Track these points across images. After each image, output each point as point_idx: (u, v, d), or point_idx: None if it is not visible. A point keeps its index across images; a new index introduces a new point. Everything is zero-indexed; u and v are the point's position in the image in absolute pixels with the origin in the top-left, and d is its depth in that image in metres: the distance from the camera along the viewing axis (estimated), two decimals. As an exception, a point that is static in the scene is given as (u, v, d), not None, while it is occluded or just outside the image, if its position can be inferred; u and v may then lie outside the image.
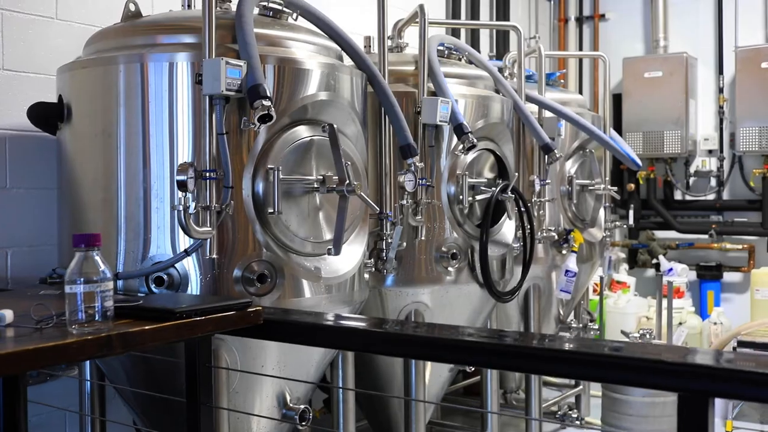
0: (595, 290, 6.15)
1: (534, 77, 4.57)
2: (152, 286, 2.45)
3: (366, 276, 2.92)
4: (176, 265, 2.44)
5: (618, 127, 6.43)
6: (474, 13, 5.63)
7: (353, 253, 2.81)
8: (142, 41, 2.59)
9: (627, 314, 5.79)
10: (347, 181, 2.56)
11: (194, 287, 2.45)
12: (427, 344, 1.96)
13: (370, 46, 3.77)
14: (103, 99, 2.55)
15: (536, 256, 4.24)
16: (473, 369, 3.65)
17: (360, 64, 2.97)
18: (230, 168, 2.39)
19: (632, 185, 6.40)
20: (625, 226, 4.90)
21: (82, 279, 1.78)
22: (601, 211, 4.66)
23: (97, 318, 1.75)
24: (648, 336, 4.15)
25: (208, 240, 2.37)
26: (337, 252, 2.60)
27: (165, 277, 2.43)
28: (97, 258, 1.82)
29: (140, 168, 2.50)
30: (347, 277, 2.74)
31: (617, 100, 6.46)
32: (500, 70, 4.42)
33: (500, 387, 4.75)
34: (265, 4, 2.74)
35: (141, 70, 2.49)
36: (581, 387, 4.86)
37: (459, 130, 3.20)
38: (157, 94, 2.48)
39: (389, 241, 3.04)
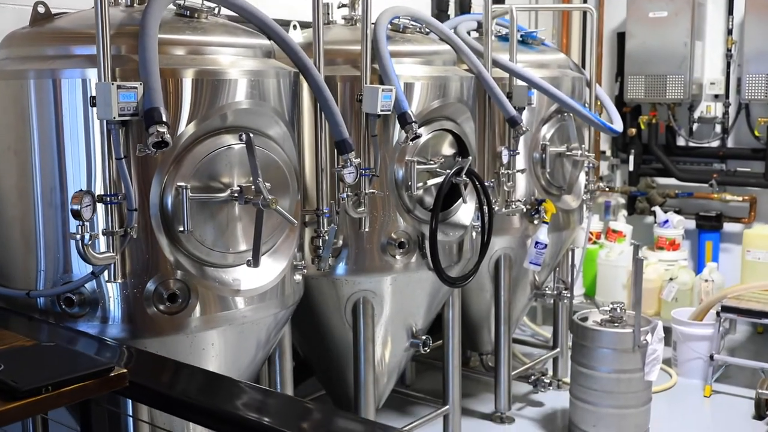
0: (590, 239, 6.05)
1: (532, 35, 4.36)
2: (64, 307, 2.44)
3: (298, 277, 2.87)
4: (87, 285, 2.42)
5: (621, 68, 6.16)
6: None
7: (278, 260, 2.75)
8: (54, 51, 2.46)
9: (619, 267, 5.68)
10: (262, 196, 2.48)
11: (106, 307, 2.43)
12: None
13: (329, 14, 3.60)
14: (15, 114, 2.45)
15: (509, 226, 4.16)
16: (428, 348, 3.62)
17: (293, 57, 2.84)
18: (133, 190, 2.33)
19: (633, 130, 6.17)
20: (606, 188, 4.73)
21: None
22: (582, 176, 4.50)
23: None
24: (618, 310, 4.07)
25: (113, 264, 2.34)
26: (256, 264, 2.55)
27: (74, 297, 2.41)
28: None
29: (57, 188, 2.42)
30: (270, 286, 2.70)
31: (621, 39, 6.17)
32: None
33: (474, 350, 4.77)
34: (181, 2, 2.60)
35: (53, 86, 2.38)
36: (558, 350, 4.82)
37: (402, 119, 3.07)
38: (71, 112, 2.38)
39: (325, 238, 2.98)
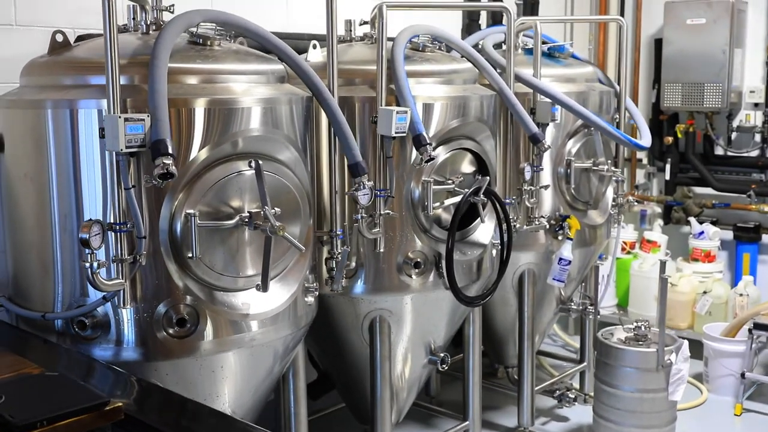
0: (623, 249, 5.97)
1: (559, 48, 4.32)
2: (77, 330, 2.51)
3: (310, 299, 2.90)
4: (99, 309, 2.48)
5: (658, 76, 6.05)
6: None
7: (289, 283, 2.78)
8: (71, 81, 2.53)
9: (651, 279, 5.56)
10: (270, 223, 2.52)
11: (118, 331, 2.49)
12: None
13: (351, 30, 3.63)
14: (33, 142, 2.52)
15: (533, 241, 4.14)
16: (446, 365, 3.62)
17: (306, 81, 2.87)
18: (142, 218, 2.38)
19: (670, 138, 6.05)
20: (634, 203, 4.65)
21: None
22: (609, 191, 4.44)
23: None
24: (643, 328, 4.02)
25: (122, 290, 2.39)
26: (265, 290, 2.59)
27: (87, 321, 2.48)
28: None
29: (73, 215, 2.48)
30: (281, 309, 2.73)
31: (658, 45, 6.05)
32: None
33: (500, 362, 4.75)
34: (194, 30, 2.64)
35: (70, 116, 2.44)
36: (585, 364, 4.78)
37: (417, 142, 3.07)
38: (87, 141, 2.44)
39: (338, 259, 3.00)
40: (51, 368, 2.14)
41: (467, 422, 3.93)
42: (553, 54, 4.27)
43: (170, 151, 2.25)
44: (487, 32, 4.28)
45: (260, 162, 2.53)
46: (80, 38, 3.17)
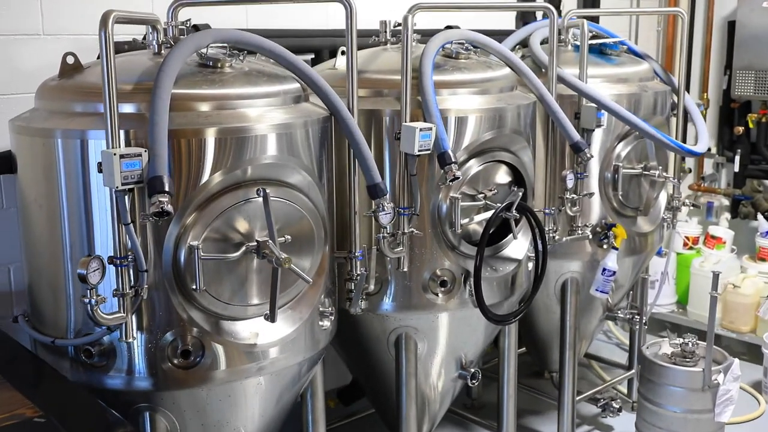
0: (685, 244, 5.71)
1: (612, 45, 4.08)
2: (84, 357, 2.50)
3: (326, 323, 2.82)
4: (106, 338, 2.47)
5: (729, 62, 5.69)
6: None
7: (302, 309, 2.72)
8: (82, 108, 2.45)
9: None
10: (275, 256, 2.45)
11: (124, 360, 2.48)
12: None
13: (386, 32, 3.49)
14: (43, 169, 2.48)
15: (578, 249, 3.96)
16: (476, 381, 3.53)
17: (324, 100, 2.77)
18: (147, 249, 2.35)
19: (741, 128, 5.71)
20: (691, 205, 4.38)
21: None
22: (662, 196, 4.21)
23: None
24: (690, 345, 3.82)
25: (124, 324, 2.37)
26: (273, 320, 2.54)
27: (93, 349, 2.47)
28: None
29: (85, 245, 2.44)
30: (292, 337, 2.67)
31: (732, 28, 5.68)
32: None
33: (544, 368, 4.62)
34: (204, 52, 2.56)
35: (81, 146, 2.38)
36: (633, 371, 4.60)
37: (442, 160, 2.94)
38: (98, 173, 2.34)
39: (356, 282, 2.92)
40: (51, 407, 2.14)
41: (501, 434, 3.84)
42: (605, 51, 4.03)
43: (166, 188, 2.20)
44: (534, 27, 4.07)
45: (267, 190, 2.45)
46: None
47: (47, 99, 2.59)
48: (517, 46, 4.07)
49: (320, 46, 3.85)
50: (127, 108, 2.39)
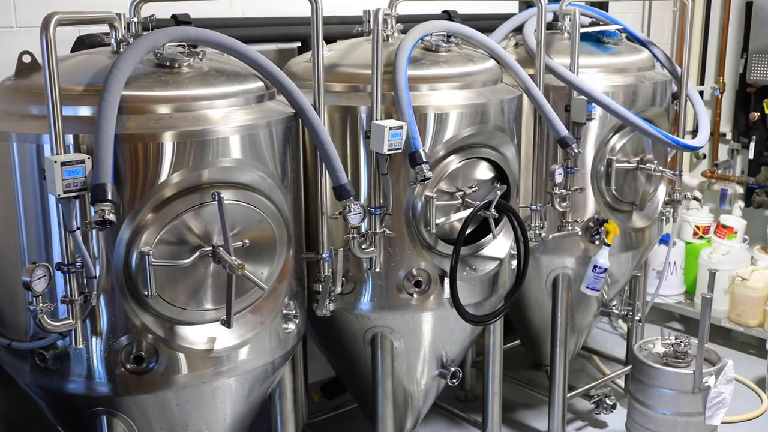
0: (695, 233, 5.56)
1: (610, 34, 3.94)
2: (38, 361, 2.49)
3: (290, 326, 2.78)
4: (60, 342, 2.44)
5: (746, 45, 5.47)
6: None
7: (263, 313, 2.67)
8: (38, 110, 2.37)
9: (720, 271, 5.12)
10: (228, 263, 2.40)
11: (80, 365, 2.46)
12: None
13: (369, 21, 3.38)
14: (0, 174, 2.44)
15: (569, 244, 3.86)
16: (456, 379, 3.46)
17: (288, 99, 2.69)
18: (99, 255, 2.31)
19: (756, 114, 5.51)
20: (692, 197, 4.20)
21: None
22: (661, 189, 4.07)
23: None
24: (683, 345, 3.71)
25: (74, 330, 2.34)
26: (229, 326, 2.50)
27: (47, 354, 2.45)
28: None
29: (42, 251, 2.39)
30: (252, 341, 2.63)
31: (749, 9, 5.46)
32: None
33: (538, 361, 4.54)
34: (160, 52, 2.50)
35: (36, 151, 2.31)
36: (630, 367, 4.49)
37: (412, 160, 2.85)
38: None
39: (324, 283, 2.86)
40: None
41: (485, 433, 3.78)
42: (602, 40, 3.88)
43: (109, 197, 2.15)
44: (528, 14, 3.93)
45: (222, 194, 2.39)
46: (80, 40, 3.10)
47: (2, 100, 2.53)
48: (511, 34, 3.94)
49: (307, 34, 3.72)
50: (79, 111, 2.34)
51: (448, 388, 3.61)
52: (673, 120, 4.13)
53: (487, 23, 4.06)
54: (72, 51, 3.07)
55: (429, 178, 2.85)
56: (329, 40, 3.50)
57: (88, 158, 2.18)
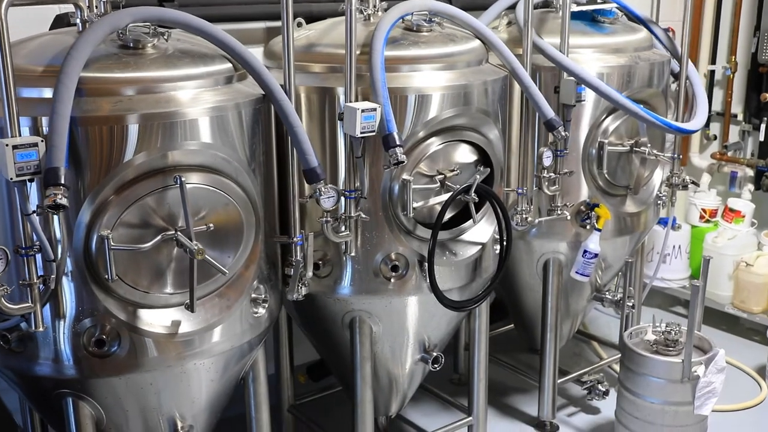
0: (702, 217, 5.45)
1: (606, 13, 3.83)
2: (1, 343, 2.49)
3: (260, 310, 2.75)
4: (23, 324, 2.44)
5: (759, 23, 5.31)
6: None
7: (229, 297, 2.65)
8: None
9: (725, 255, 5.05)
10: (188, 248, 2.38)
11: (43, 347, 2.45)
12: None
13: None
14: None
15: (560, 228, 3.79)
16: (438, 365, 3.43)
17: (257, 80, 2.65)
18: (60, 238, 2.30)
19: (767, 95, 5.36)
20: (691, 181, 4.06)
21: None
22: (657, 174, 3.97)
23: None
24: (674, 333, 3.63)
25: (33, 313, 2.33)
26: (192, 310, 2.48)
27: (10, 336, 2.45)
28: None
29: (9, 233, 2.36)
30: (218, 325, 2.61)
31: (764, -12, 5.30)
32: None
33: (530, 345, 4.48)
34: (123, 33, 2.46)
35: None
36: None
37: (386, 143, 2.80)
38: None
39: (294, 267, 2.83)
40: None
41: (470, 418, 3.74)
42: (597, 19, 3.77)
43: (62, 181, 2.13)
44: (521, -9, 3.82)
45: (184, 178, 2.37)
46: (58, 19, 3.07)
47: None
48: (504, 13, 3.85)
49: (297, 12, 3.70)
50: (44, 93, 2.31)
51: (441, 371, 3.57)
52: (684, 101, 4.02)
53: (482, 1, 3.98)
54: (50, 29, 3.05)
55: (402, 162, 2.79)
56: (320, 18, 3.45)
57: (42, 141, 2.16)
